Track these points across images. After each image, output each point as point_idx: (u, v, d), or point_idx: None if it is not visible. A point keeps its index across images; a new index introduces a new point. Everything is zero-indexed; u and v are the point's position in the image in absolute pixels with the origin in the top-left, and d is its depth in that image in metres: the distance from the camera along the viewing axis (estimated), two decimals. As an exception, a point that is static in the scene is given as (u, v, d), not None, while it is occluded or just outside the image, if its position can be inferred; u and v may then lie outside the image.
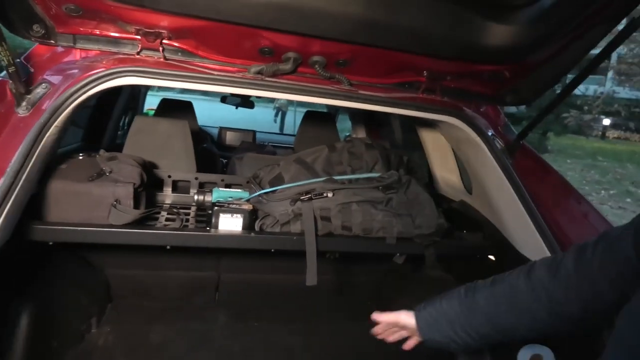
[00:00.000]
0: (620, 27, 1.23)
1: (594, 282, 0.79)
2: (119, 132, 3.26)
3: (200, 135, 3.43)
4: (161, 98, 2.88)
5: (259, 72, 1.39)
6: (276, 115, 14.14)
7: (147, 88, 4.08)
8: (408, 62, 1.47)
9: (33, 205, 1.31)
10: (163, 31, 1.30)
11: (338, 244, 1.51)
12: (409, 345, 1.10)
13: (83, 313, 1.79)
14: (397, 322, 1.09)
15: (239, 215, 1.42)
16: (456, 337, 0.95)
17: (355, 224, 1.46)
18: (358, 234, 1.48)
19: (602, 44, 1.29)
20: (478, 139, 1.54)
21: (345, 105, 1.46)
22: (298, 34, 1.29)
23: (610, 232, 0.82)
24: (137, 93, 3.67)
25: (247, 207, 1.46)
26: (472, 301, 0.94)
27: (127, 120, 3.46)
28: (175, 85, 1.33)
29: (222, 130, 3.88)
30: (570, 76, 1.49)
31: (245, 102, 4.20)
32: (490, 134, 1.58)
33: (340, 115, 4.45)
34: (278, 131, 9.98)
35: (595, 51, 1.33)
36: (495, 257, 1.66)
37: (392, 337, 1.13)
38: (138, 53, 1.33)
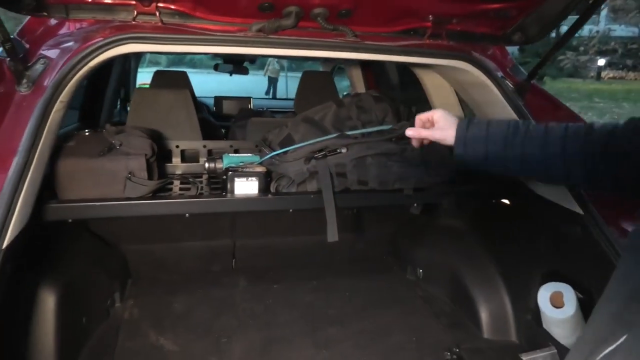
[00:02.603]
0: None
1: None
2: (115, 110, 3.20)
3: (197, 106, 3.37)
4: (154, 71, 2.82)
5: (260, 30, 1.35)
6: (269, 82, 13.61)
7: (137, 63, 3.98)
8: (412, 6, 1.42)
9: (48, 185, 1.29)
10: None
11: (355, 199, 1.50)
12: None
13: (106, 289, 1.81)
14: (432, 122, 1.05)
15: (253, 179, 1.41)
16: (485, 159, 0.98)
17: (371, 177, 1.45)
18: (374, 187, 1.47)
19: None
20: (488, 82, 1.51)
21: (351, 57, 1.43)
22: None
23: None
24: (128, 69, 3.58)
25: (261, 169, 1.45)
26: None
27: (121, 97, 3.40)
28: (176, 50, 1.30)
29: (218, 99, 3.81)
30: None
31: (239, 68, 4.09)
32: (500, 75, 1.55)
33: (336, 77, 4.36)
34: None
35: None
36: (510, 200, 1.67)
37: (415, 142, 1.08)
38: (134, 19, 1.28)
